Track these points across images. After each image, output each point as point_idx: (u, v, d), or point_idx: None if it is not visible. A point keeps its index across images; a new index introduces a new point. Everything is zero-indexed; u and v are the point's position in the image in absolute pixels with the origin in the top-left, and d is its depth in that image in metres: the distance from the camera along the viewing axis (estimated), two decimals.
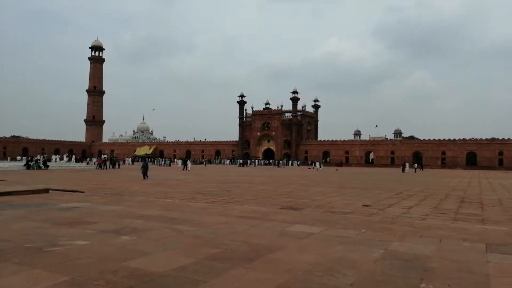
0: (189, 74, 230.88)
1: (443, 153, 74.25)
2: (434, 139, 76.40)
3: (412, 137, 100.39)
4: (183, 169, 44.15)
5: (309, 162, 79.37)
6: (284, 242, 6.23)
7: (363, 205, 12.21)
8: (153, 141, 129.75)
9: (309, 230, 7.28)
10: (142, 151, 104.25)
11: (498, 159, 69.39)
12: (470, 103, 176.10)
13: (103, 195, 13.78)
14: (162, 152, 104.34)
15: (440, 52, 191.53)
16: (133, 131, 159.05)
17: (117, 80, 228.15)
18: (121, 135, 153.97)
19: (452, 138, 74.61)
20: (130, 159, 73.76)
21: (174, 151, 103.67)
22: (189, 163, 47.75)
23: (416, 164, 60.06)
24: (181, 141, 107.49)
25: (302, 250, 5.73)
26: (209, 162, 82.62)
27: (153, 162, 75.29)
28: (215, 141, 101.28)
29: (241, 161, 72.98)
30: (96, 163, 48.46)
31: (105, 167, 44.57)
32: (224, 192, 16.05)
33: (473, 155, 71.70)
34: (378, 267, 4.90)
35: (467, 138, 73.75)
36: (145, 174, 25.21)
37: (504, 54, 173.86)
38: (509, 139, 70.17)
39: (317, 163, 56.82)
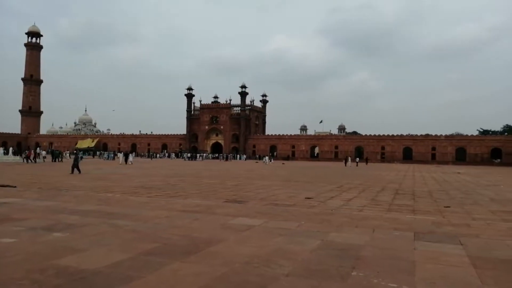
0: (134, 65, 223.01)
1: (383, 148, 78.17)
2: (374, 135, 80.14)
3: (355, 133, 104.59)
4: (125, 163, 41.69)
5: (257, 156, 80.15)
6: (224, 235, 6.24)
7: (306, 198, 12.54)
8: (96, 133, 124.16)
9: (250, 223, 7.35)
10: (84, 144, 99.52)
11: (431, 153, 74.31)
12: (407, 102, 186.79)
13: (37, 190, 12.99)
14: (106, 145, 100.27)
15: (380, 52, 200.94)
16: (75, 123, 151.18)
17: (57, 69, 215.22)
18: (61, 127, 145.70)
19: (390, 134, 78.71)
20: (68, 152, 70.01)
21: (119, 144, 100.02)
22: (130, 157, 45.22)
23: (358, 158, 62.74)
24: (126, 133, 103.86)
25: (242, 243, 5.77)
26: (155, 155, 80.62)
27: (95, 155, 72.17)
28: (162, 134, 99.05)
29: (189, 154, 72.03)
30: (24, 156, 43.49)
31: (33, 160, 40.73)
32: (169, 186, 15.77)
33: (409, 150, 76.19)
34: (314, 257, 5.06)
35: (404, 134, 78.22)
36: (75, 167, 23.20)
37: (435, 57, 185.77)
38: (441, 135, 75.37)
39: (266, 157, 57.34)
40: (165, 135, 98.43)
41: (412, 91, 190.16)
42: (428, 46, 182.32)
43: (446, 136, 75.60)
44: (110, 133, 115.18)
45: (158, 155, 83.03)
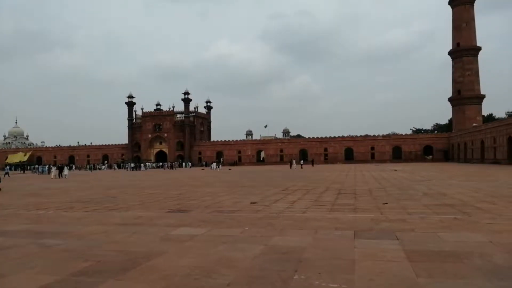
0: (69, 72, 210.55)
1: (325, 149, 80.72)
2: (317, 137, 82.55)
3: (299, 136, 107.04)
4: (58, 177, 38.43)
5: (204, 163, 79.31)
6: (165, 247, 5.99)
7: (251, 203, 12.49)
8: (28, 146, 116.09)
9: (193, 232, 7.14)
10: (16, 158, 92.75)
11: (370, 153, 77.95)
12: (346, 104, 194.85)
13: None
14: (40, 159, 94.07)
15: (319, 57, 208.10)
16: (4, 136, 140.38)
17: None
18: None
19: (332, 136, 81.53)
20: None
21: (55, 157, 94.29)
22: (66, 170, 41.75)
23: (302, 161, 64.19)
24: (62, 146, 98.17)
25: (183, 254, 5.57)
26: (95, 167, 76.90)
27: (26, 170, 67.43)
28: (102, 145, 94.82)
29: (132, 165, 69.55)
30: None
31: None
32: (109, 199, 15.01)
33: (350, 150, 79.36)
34: (256, 264, 4.99)
35: (345, 136, 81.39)
36: None
37: (370, 60, 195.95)
38: (378, 135, 79.36)
39: (214, 164, 56.39)
40: (105, 145, 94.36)
41: (351, 93, 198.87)
42: (362, 50, 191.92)
43: (383, 136, 79.68)
44: (44, 146, 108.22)
45: (98, 166, 79.22)
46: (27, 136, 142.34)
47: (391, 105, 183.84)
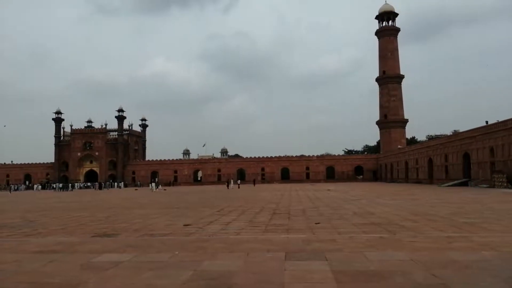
0: None
1: (263, 169, 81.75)
2: (255, 157, 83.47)
3: (237, 155, 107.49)
4: None
5: (138, 183, 76.37)
6: (84, 277, 5.51)
7: (184, 225, 12.11)
8: None
9: (117, 259, 6.68)
10: None
11: (305, 173, 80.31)
12: (282, 125, 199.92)
13: None
14: None
15: (257, 78, 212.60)
16: None
17: None
18: None
19: (269, 156, 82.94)
20: None
21: None
22: None
23: (239, 181, 64.30)
24: None
25: (104, 284, 5.16)
26: (16, 187, 70.72)
27: None
28: (24, 163, 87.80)
29: (60, 185, 65.04)
30: None
31: None
32: (26, 223, 13.74)
33: (286, 170, 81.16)
34: None
35: (282, 156, 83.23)
36: None
37: (304, 83, 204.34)
38: (313, 156, 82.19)
39: (153, 184, 53.42)
40: (28, 164, 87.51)
41: (288, 114, 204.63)
42: (298, 73, 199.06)
43: (317, 156, 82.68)
44: None
45: (18, 187, 72.80)
46: None
47: (325, 127, 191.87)
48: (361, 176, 78.64)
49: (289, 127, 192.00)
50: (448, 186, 38.92)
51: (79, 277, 5.53)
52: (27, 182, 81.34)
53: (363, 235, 9.06)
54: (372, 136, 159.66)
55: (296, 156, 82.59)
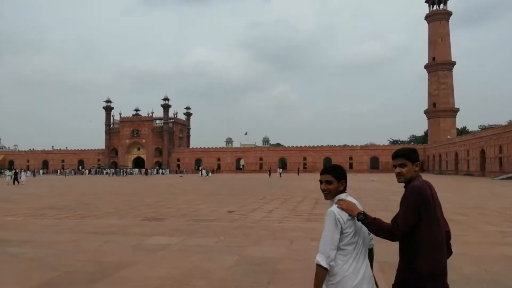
0: (42, 76, 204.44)
1: (305, 158, 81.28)
2: (297, 146, 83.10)
3: (278, 144, 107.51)
4: (13, 183, 33.34)
5: (183, 170, 78.62)
6: (137, 257, 5.84)
7: (228, 211, 12.39)
8: (0, 150, 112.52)
9: (166, 242, 7.01)
10: None
11: (348, 163, 78.90)
12: (324, 113, 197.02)
13: None
14: (12, 163, 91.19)
15: (298, 66, 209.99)
16: None
17: None
18: None
19: (311, 145, 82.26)
20: None
21: (28, 161, 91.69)
22: (23, 175, 36.55)
23: (281, 169, 64.38)
24: (36, 149, 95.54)
25: (155, 264, 5.44)
26: (71, 172, 75.10)
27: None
28: (78, 150, 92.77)
29: (113, 170, 68.30)
30: None
31: None
32: (82, 206, 14.63)
33: (329, 160, 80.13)
34: (229, 275, 4.91)
35: (324, 145, 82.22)
36: None
37: (347, 71, 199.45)
38: (356, 145, 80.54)
39: (204, 171, 53.57)
40: (81, 150, 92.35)
41: (330, 103, 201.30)
42: (340, 60, 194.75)
43: (361, 146, 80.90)
44: (17, 150, 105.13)
45: (71, 171, 77.24)
46: None
47: (369, 115, 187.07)
48: None
49: (332, 116, 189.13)
50: (502, 179, 36.85)
51: (132, 257, 5.87)
52: (80, 167, 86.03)
53: None
54: (419, 126, 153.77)
55: (339, 146, 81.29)
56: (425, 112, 74.88)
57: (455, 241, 7.15)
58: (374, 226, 2.29)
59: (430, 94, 73.76)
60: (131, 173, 71.63)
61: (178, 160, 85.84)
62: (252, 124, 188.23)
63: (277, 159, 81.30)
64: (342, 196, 2.40)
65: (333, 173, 2.42)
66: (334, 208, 2.32)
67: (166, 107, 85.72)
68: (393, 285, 2.40)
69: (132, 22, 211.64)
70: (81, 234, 7.91)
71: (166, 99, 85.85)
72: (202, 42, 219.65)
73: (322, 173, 2.47)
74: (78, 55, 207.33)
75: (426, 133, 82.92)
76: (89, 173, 75.09)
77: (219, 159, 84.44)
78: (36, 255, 6.03)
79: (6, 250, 6.38)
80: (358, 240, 2.31)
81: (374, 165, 77.83)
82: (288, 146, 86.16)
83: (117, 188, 27.67)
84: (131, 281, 4.64)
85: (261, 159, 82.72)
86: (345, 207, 2.31)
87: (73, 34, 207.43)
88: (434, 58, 72.58)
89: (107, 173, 69.58)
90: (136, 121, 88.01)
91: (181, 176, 58.95)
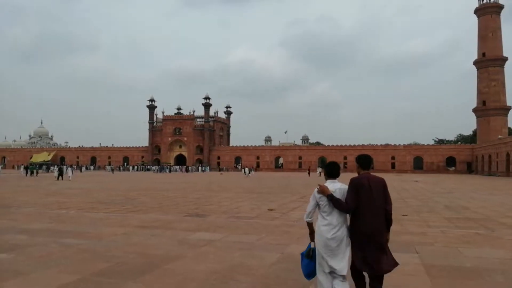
0: (93, 75, 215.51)
1: (345, 157, 79.88)
2: (336, 145, 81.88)
3: (318, 143, 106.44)
4: (57, 179, 34.24)
5: (222, 168, 79.75)
6: (182, 252, 6.05)
7: (268, 209, 12.49)
8: (53, 146, 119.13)
9: (210, 237, 7.19)
10: (40, 157, 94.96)
11: (391, 163, 76.76)
12: (366, 112, 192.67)
13: None
14: (63, 159, 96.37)
15: (339, 64, 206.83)
16: (30, 135, 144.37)
17: (10, 80, 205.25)
18: (15, 140, 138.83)
19: (352, 144, 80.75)
20: (22, 166, 66.29)
21: (77, 157, 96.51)
22: (69, 171, 37.24)
23: (321, 169, 63.70)
24: (85, 146, 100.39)
25: (200, 259, 5.61)
26: (118, 168, 78.29)
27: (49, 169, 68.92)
28: (123, 147, 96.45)
29: (157, 167, 70.64)
30: None
31: None
32: (128, 201, 15.25)
33: None
34: (272, 272, 4.99)
35: (365, 144, 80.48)
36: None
37: (391, 68, 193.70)
38: (399, 145, 78.15)
39: (246, 169, 53.67)
40: (126, 147, 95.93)
41: (371, 101, 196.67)
42: (384, 58, 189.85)
43: (404, 145, 78.43)
44: (68, 146, 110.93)
45: (115, 167, 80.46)
46: (52, 136, 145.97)
47: (413, 114, 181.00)
48: (453, 168, 72.95)
49: (373, 114, 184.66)
50: None
51: (178, 251, 6.09)
52: (125, 164, 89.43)
53: (457, 230, 8.55)
54: (467, 125, 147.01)
55: (381, 145, 79.22)
56: (474, 110, 71.38)
57: (505, 245, 6.83)
58: (335, 203, 3.55)
59: (479, 92, 70.24)
60: (175, 170, 73.57)
61: (218, 158, 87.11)
62: (291, 123, 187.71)
63: (317, 158, 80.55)
64: (326, 183, 3.74)
65: (326, 172, 3.88)
66: (315, 189, 3.69)
67: (207, 106, 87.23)
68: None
69: (176, 23, 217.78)
70: (129, 228, 8.28)
71: (207, 98, 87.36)
72: (242, 41, 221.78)
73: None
74: (126, 55, 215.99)
75: (474, 132, 79.08)
76: (132, 170, 77.91)
77: (258, 157, 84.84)
78: (90, 246, 6.40)
79: (63, 241, 6.80)
80: (332, 211, 3.58)
81: (418, 165, 75.22)
82: (328, 145, 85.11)
83: (160, 184, 28.55)
84: (177, 274, 4.82)
85: (300, 157, 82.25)
86: (320, 189, 3.62)
87: (122, 35, 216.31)
88: (484, 54, 69.00)
89: (149, 169, 71.71)
90: (178, 119, 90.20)
91: (221, 174, 59.82)
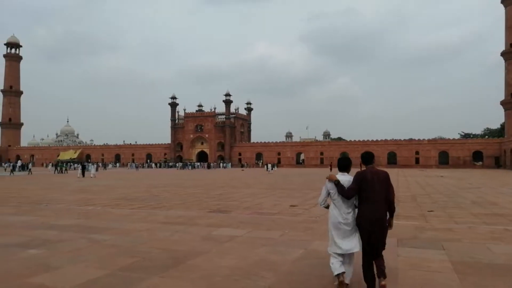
0: (115, 74, 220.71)
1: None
2: (359, 140, 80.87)
3: (339, 139, 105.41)
4: (82, 176, 34.79)
5: (243, 164, 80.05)
6: (206, 247, 6.11)
7: (290, 206, 12.47)
8: (78, 144, 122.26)
9: (233, 233, 7.24)
10: (67, 155, 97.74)
11: (415, 157, 75.27)
12: (389, 106, 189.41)
13: (15, 205, 12.63)
14: (89, 157, 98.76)
15: (361, 58, 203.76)
16: (56, 134, 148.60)
17: (37, 79, 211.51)
18: (43, 139, 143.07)
19: (374, 139, 79.60)
20: (51, 164, 68.30)
21: (102, 155, 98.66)
22: (92, 168, 37.94)
23: None
24: (109, 144, 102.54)
25: (224, 255, 5.66)
26: (142, 165, 79.75)
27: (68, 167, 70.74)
28: (146, 144, 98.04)
29: (181, 164, 71.79)
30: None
31: None
32: (152, 197, 15.51)
33: (393, 154, 77.05)
34: (296, 268, 4.99)
35: (388, 139, 79.12)
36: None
37: (415, 61, 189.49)
38: (423, 139, 76.52)
39: (269, 165, 53.24)
40: (149, 144, 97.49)
41: (394, 96, 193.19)
42: (407, 51, 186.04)
43: (429, 140, 76.75)
44: (93, 144, 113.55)
45: (144, 165, 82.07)
46: (78, 134, 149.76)
47: (437, 108, 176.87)
48: (480, 163, 70.92)
49: (396, 108, 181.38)
50: None
51: (202, 247, 6.16)
52: (148, 161, 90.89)
53: (485, 226, 8.33)
54: (495, 118, 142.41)
55: (405, 140, 77.72)
56: (502, 103, 69.12)
57: None
58: (339, 189, 4.14)
59: (507, 84, 67.94)
60: (197, 167, 74.38)
61: (240, 154, 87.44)
62: (312, 118, 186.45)
63: (339, 154, 79.66)
64: (338, 175, 4.28)
65: (338, 165, 4.41)
66: (326, 180, 4.30)
67: (227, 103, 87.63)
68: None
69: (196, 21, 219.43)
70: (153, 224, 8.42)
71: (227, 94, 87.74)
72: (262, 37, 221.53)
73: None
74: (147, 54, 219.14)
75: (502, 126, 76.63)
76: (155, 167, 79.14)
77: (279, 154, 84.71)
78: (116, 242, 6.54)
79: (90, 236, 6.99)
80: (340, 198, 4.15)
81: (443, 160, 73.49)
82: (350, 140, 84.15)
83: (182, 181, 28.90)
84: (202, 269, 4.88)
85: (321, 153, 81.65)
86: (329, 177, 4.25)
87: (142, 35, 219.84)
88: (511, 45, 66.67)
89: (171, 166, 72.68)
90: (200, 116, 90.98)
91: (242, 170, 60.04)
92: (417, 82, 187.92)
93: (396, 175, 37.09)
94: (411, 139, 77.59)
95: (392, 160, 76.45)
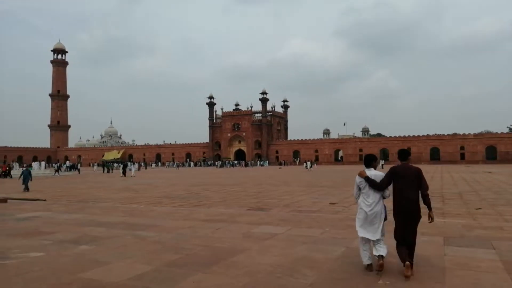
0: (153, 76, 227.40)
1: (409, 149, 76.38)
2: (399, 136, 78.50)
3: (379, 135, 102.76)
4: (123, 175, 35.55)
5: (281, 162, 79.97)
6: (247, 244, 6.18)
7: (330, 203, 12.35)
8: (121, 145, 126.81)
9: (273, 231, 7.27)
10: (111, 155, 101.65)
11: (460, 153, 72.13)
12: (430, 100, 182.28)
13: (65, 203, 13.32)
14: (131, 156, 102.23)
15: (398, 50, 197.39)
16: (101, 135, 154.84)
17: (81, 83, 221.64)
18: (88, 140, 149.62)
19: (416, 135, 76.93)
20: (96, 164, 71.38)
21: (144, 154, 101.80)
22: (132, 168, 39.35)
23: (383, 161, 61.53)
24: (150, 144, 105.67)
25: (265, 252, 5.70)
26: (182, 164, 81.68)
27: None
28: (186, 143, 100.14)
29: (220, 163, 73.10)
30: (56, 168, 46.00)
31: (8, 176, 36.10)
32: (192, 195, 15.85)
33: (436, 150, 74.21)
34: (338, 265, 4.94)
35: (431, 134, 76.26)
36: (26, 186, 19.49)
37: (455, 52, 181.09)
38: (469, 134, 73.12)
39: (308, 163, 52.73)
40: (188, 144, 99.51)
41: (435, 88, 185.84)
42: (447, 41, 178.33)
43: (474, 134, 73.25)
44: (135, 144, 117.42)
45: (184, 164, 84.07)
46: (120, 135, 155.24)
47: (483, 100, 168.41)
48: None
49: (438, 102, 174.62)
50: None
51: (243, 244, 6.24)
52: (187, 160, 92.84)
53: None
54: None
55: (448, 135, 74.60)
56: None
57: None
58: (370, 183, 4.65)
59: None
60: (236, 165, 75.22)
61: (277, 152, 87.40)
62: (350, 114, 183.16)
63: (378, 150, 77.84)
64: (366, 170, 4.81)
65: (364, 161, 4.99)
66: (356, 176, 4.83)
67: (264, 101, 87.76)
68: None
69: (230, 20, 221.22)
70: (195, 221, 8.61)
71: (264, 93, 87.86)
72: (297, 34, 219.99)
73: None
74: (183, 55, 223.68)
75: None
76: (194, 165, 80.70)
77: (316, 151, 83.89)
78: (160, 239, 6.75)
79: (135, 233, 7.26)
80: (369, 191, 4.69)
81: (491, 155, 69.92)
82: (390, 136, 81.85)
83: (221, 179, 29.30)
84: (243, 266, 4.94)
85: (361, 150, 79.98)
86: (359, 174, 4.76)
87: (177, 36, 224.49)
88: None
89: (210, 165, 73.90)
90: (237, 115, 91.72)
91: (280, 168, 60.02)
92: (460, 72, 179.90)
93: (439, 172, 35.75)
94: (455, 134, 74.38)
95: (435, 156, 73.68)
